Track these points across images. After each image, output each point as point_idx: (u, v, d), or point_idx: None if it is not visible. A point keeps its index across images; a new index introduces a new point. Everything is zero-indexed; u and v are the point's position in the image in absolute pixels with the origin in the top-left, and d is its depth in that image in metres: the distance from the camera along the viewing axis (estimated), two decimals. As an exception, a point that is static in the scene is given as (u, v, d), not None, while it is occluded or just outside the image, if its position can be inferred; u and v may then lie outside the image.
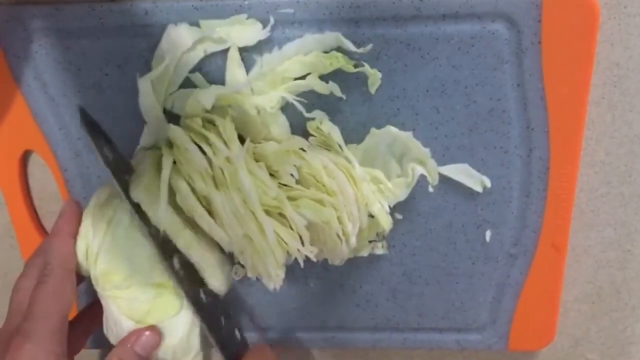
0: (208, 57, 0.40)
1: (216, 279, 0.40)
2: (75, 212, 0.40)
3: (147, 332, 0.38)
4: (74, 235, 0.39)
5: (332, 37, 0.39)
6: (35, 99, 0.43)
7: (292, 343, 0.50)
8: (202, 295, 0.40)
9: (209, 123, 0.40)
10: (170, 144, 0.40)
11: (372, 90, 0.40)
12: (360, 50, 0.39)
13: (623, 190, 0.45)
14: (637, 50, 0.41)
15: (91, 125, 0.39)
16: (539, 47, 0.39)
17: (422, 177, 0.42)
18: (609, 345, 0.51)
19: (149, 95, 0.40)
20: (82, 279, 0.42)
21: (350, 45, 0.39)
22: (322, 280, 0.47)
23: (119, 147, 0.42)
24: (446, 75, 0.40)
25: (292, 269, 0.46)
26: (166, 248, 0.38)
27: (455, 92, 0.41)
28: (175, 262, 0.38)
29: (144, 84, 0.40)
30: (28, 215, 0.47)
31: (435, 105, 0.41)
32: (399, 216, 0.44)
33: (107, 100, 0.42)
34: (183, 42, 0.39)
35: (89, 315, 0.44)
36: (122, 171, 0.39)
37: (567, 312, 0.50)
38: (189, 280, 0.39)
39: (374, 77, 0.40)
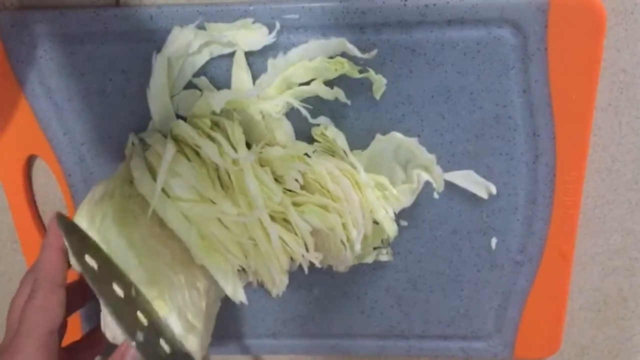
0: (212, 61, 0.40)
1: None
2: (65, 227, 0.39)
3: (127, 351, 0.37)
4: (62, 248, 0.39)
5: (337, 42, 0.39)
6: (39, 104, 0.43)
7: (296, 350, 0.50)
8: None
9: (215, 125, 0.40)
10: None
11: (377, 96, 0.40)
12: (365, 55, 0.39)
13: (630, 197, 0.45)
14: (644, 56, 0.41)
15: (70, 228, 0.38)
16: (545, 53, 0.39)
17: (427, 183, 0.41)
18: (615, 354, 0.50)
19: (162, 74, 0.40)
20: (84, 300, 0.42)
21: (355, 51, 0.39)
22: (326, 287, 0.47)
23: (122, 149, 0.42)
24: (452, 81, 0.40)
25: (297, 276, 0.46)
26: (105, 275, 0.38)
27: (460, 98, 0.40)
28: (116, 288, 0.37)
29: (160, 62, 0.40)
30: (32, 219, 0.47)
31: (440, 111, 0.41)
32: (404, 223, 0.44)
33: (111, 105, 0.42)
34: (189, 44, 0.39)
35: (93, 338, 0.44)
36: (106, 280, 0.37)
37: (574, 320, 0.49)
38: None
39: (379, 83, 0.40)
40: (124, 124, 0.42)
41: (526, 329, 0.47)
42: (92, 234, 0.38)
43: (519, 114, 0.40)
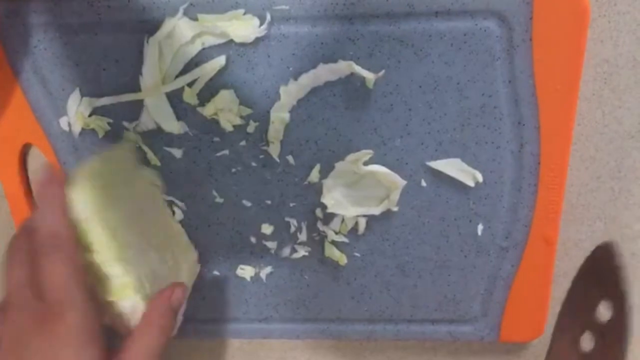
0: (205, 51, 0.41)
1: None
2: (61, 181, 0.37)
3: (178, 288, 0.39)
4: (63, 199, 0.37)
5: (346, 65, 0.40)
6: (34, 93, 0.43)
7: (287, 334, 0.51)
8: None
9: None
10: None
11: (370, 85, 0.41)
12: (373, 77, 0.40)
13: (613, 185, 0.46)
14: (626, 47, 0.42)
15: None
16: (530, 44, 0.39)
17: (414, 171, 0.43)
18: (598, 337, 0.52)
19: (154, 61, 0.41)
20: None
21: (363, 72, 0.40)
22: (317, 273, 0.48)
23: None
24: (439, 72, 0.41)
25: (288, 262, 0.47)
26: None
27: (447, 88, 0.41)
28: None
29: (152, 48, 0.40)
30: (27, 207, 0.48)
31: (428, 101, 0.42)
32: (394, 209, 0.45)
33: (105, 95, 0.43)
34: (182, 35, 0.40)
35: None
36: None
37: (558, 304, 0.50)
38: None
39: (370, 82, 0.41)
40: (118, 113, 0.43)
41: (511, 313, 0.48)
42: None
43: (505, 103, 0.41)
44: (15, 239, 0.37)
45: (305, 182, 0.44)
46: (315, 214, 0.45)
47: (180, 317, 0.40)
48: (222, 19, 0.40)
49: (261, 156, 0.44)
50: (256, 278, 0.48)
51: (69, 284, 0.34)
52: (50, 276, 0.34)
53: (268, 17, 0.40)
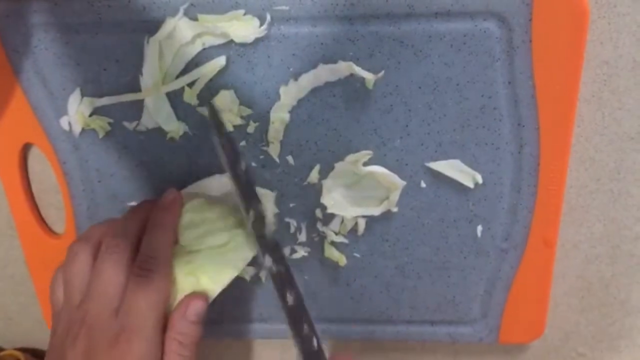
0: (205, 51, 0.41)
1: None
2: (179, 204, 0.39)
3: (194, 300, 0.38)
4: (176, 229, 0.38)
5: (346, 66, 0.40)
6: (34, 92, 0.43)
7: (287, 335, 0.50)
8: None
9: None
10: None
11: (370, 85, 0.41)
12: (372, 77, 0.40)
13: (612, 186, 0.46)
14: (626, 49, 0.42)
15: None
16: (529, 45, 0.39)
17: (413, 172, 0.43)
18: (598, 339, 0.52)
19: (154, 60, 0.41)
20: None
21: (363, 73, 0.40)
22: (317, 274, 0.48)
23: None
24: (438, 73, 0.41)
25: (288, 262, 0.47)
26: None
27: (447, 89, 0.41)
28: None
29: (152, 47, 0.40)
30: (28, 207, 0.48)
31: (427, 101, 0.42)
32: (394, 210, 0.45)
33: (105, 94, 0.43)
34: (182, 35, 0.40)
35: None
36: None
37: (557, 306, 0.50)
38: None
39: (369, 82, 0.41)
40: (118, 113, 0.43)
41: (511, 315, 0.48)
42: None
43: (504, 105, 0.41)
44: (114, 241, 0.37)
45: (305, 183, 0.44)
46: (314, 215, 0.45)
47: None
48: (223, 19, 0.40)
49: (261, 156, 0.44)
50: (256, 278, 0.48)
51: (147, 315, 0.35)
52: (134, 301, 0.35)
53: (268, 17, 0.40)
